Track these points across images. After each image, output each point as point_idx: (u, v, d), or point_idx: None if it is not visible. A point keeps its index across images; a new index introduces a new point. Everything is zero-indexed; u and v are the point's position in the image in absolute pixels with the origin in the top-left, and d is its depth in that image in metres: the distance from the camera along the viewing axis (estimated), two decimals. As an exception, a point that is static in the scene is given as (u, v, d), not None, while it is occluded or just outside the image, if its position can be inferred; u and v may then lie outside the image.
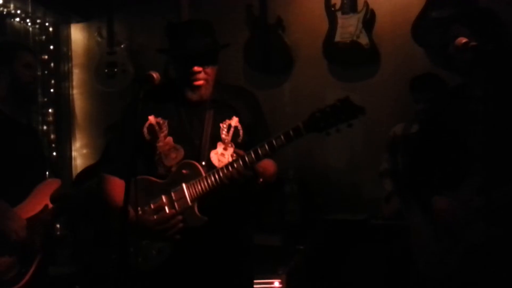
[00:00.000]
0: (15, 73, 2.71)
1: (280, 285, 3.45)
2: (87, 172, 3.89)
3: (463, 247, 2.32)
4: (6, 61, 2.73)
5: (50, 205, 2.73)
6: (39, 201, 2.71)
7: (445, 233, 2.38)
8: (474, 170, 2.33)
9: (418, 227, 2.53)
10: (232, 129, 2.26)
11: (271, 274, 3.46)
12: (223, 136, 2.25)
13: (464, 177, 2.35)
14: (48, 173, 2.96)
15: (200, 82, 2.20)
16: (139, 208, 2.10)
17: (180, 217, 2.14)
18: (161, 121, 2.25)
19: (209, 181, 2.13)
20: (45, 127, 4.66)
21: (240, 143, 2.27)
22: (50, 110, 4.70)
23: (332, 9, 4.09)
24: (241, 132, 2.28)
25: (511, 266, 2.26)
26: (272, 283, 3.45)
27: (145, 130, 2.24)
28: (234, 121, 2.28)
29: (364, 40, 4.02)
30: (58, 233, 2.74)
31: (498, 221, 2.27)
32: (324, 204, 4.09)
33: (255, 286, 3.36)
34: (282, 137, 2.06)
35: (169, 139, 2.23)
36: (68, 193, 2.95)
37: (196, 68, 2.17)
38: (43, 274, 2.74)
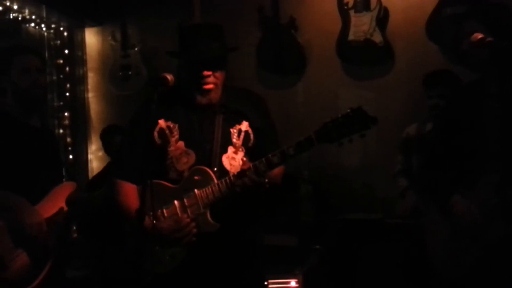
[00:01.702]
0: (13, 80, 2.67)
1: (297, 285, 3.45)
2: (98, 178, 3.90)
3: (481, 246, 2.29)
4: (2, 69, 2.68)
5: (65, 208, 2.73)
6: (54, 203, 2.71)
7: (462, 232, 2.35)
8: (491, 168, 2.30)
9: (435, 226, 2.50)
10: (242, 134, 2.27)
11: (288, 274, 3.45)
12: (234, 140, 2.25)
13: (481, 175, 2.32)
14: (65, 176, 2.97)
15: (210, 86, 2.20)
16: (151, 213, 2.11)
17: (193, 224, 2.15)
18: (172, 125, 2.24)
19: (221, 188, 2.13)
20: (61, 131, 4.71)
21: (251, 147, 2.27)
22: (65, 114, 4.75)
23: (345, 7, 4.08)
24: (251, 136, 2.28)
25: None
26: (288, 282, 3.44)
27: (155, 134, 2.24)
28: (244, 125, 2.28)
29: (377, 38, 4.00)
30: (75, 235, 2.72)
31: None
32: (338, 204, 4.07)
33: (271, 286, 3.39)
34: (294, 146, 2.06)
35: (181, 143, 2.22)
36: (84, 197, 2.95)
37: (206, 72, 2.17)
38: (59, 277, 2.75)
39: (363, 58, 4.10)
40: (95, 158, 4.99)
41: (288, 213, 3.95)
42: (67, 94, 4.77)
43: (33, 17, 4.44)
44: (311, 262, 3.63)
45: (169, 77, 2.08)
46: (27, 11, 4.36)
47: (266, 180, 2.14)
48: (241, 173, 2.10)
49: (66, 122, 4.74)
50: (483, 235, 2.28)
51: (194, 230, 2.15)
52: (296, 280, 3.45)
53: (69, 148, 4.75)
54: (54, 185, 2.76)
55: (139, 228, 1.97)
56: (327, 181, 4.15)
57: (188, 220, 2.14)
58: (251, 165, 2.10)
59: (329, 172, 4.20)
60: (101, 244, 3.63)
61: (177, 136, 2.23)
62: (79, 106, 4.93)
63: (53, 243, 2.66)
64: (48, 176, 2.76)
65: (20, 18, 4.33)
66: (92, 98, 5.02)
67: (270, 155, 2.08)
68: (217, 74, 2.21)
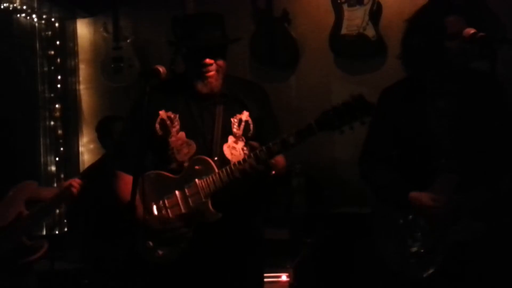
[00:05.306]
0: None
1: (288, 279, 3.45)
2: (91, 170, 3.85)
3: (448, 244, 2.22)
4: None
5: (25, 213, 2.52)
6: (13, 209, 2.51)
7: (427, 231, 2.27)
8: (445, 168, 2.25)
9: (390, 227, 2.40)
10: (243, 124, 2.28)
11: (279, 268, 3.46)
12: (234, 130, 2.26)
13: (436, 175, 2.26)
14: (20, 173, 2.75)
15: (212, 73, 2.19)
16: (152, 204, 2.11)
17: (182, 224, 2.16)
18: (172, 116, 2.25)
19: (222, 176, 2.14)
20: (52, 123, 4.68)
21: (250, 137, 2.28)
22: (57, 106, 4.72)
23: (338, 1, 4.07)
24: (251, 126, 2.29)
25: (496, 262, 2.22)
26: (279, 276, 3.45)
27: (157, 125, 2.24)
28: (245, 115, 2.28)
29: (370, 32, 4.00)
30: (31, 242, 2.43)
31: (480, 218, 2.19)
32: (330, 197, 4.08)
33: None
34: (295, 135, 2.06)
35: (182, 134, 2.23)
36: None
37: (208, 60, 2.17)
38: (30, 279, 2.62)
39: (356, 52, 4.10)
40: (87, 151, 4.96)
41: (280, 206, 3.96)
42: (59, 85, 4.74)
43: (24, 7, 4.40)
44: (303, 256, 3.64)
45: (161, 69, 2.08)
46: (18, 1, 4.32)
47: (273, 172, 2.13)
48: (242, 161, 2.11)
49: (57, 114, 4.71)
50: (448, 234, 2.22)
51: (183, 231, 2.15)
52: (287, 274, 3.45)
53: (60, 141, 4.72)
54: (9, 186, 2.57)
55: (135, 218, 1.97)
56: (319, 174, 4.16)
57: (182, 224, 2.15)
58: (251, 153, 2.10)
59: (322, 165, 4.20)
60: (93, 237, 3.61)
61: (178, 127, 2.24)
62: (70, 98, 4.89)
63: (14, 251, 2.48)
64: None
65: (11, 8, 4.29)
66: (84, 90, 4.98)
67: (270, 143, 2.08)
68: (219, 62, 2.21)
